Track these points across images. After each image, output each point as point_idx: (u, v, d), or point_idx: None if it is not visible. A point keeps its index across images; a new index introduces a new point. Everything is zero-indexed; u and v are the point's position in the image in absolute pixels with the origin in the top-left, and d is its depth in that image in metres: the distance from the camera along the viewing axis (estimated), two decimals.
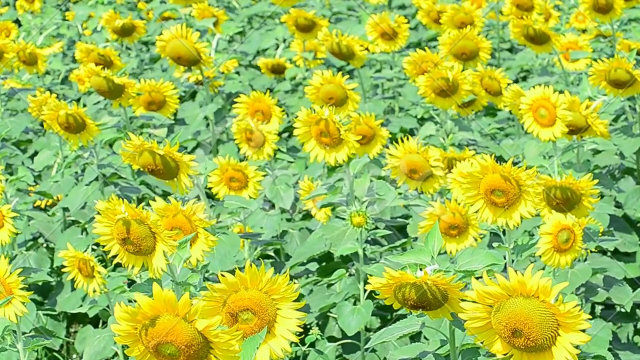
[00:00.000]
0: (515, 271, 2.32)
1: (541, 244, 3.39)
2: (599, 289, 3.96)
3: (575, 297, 3.20)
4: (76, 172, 5.19)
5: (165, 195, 5.28)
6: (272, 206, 4.78)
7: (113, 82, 4.85)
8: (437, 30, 6.47)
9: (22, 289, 3.12)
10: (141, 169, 3.44)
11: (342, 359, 4.28)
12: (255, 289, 2.46)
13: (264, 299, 2.46)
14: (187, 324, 2.20)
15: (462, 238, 3.85)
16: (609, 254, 4.35)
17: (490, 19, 7.15)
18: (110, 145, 5.66)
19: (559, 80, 5.48)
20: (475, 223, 3.82)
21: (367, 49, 5.96)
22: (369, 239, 4.22)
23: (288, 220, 5.06)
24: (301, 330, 2.51)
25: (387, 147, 4.23)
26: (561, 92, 3.98)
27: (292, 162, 5.09)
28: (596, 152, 4.94)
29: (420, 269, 2.56)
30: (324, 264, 4.50)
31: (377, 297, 2.62)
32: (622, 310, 4.03)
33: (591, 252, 3.99)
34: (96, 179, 4.82)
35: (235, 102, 4.80)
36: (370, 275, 2.68)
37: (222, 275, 2.44)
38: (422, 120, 6.00)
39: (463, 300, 2.43)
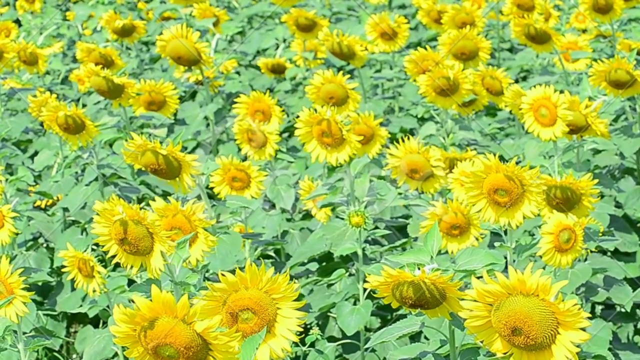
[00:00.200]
0: (515, 269, 2.32)
1: (542, 244, 3.39)
2: (599, 289, 3.96)
3: (576, 297, 3.19)
4: (76, 172, 5.19)
5: (165, 195, 5.28)
6: (273, 206, 4.78)
7: (112, 82, 4.85)
8: (438, 30, 6.47)
9: (23, 289, 3.13)
10: (143, 169, 3.44)
11: (342, 358, 4.28)
12: (256, 288, 2.46)
13: (264, 298, 2.46)
14: (186, 325, 2.20)
15: (464, 238, 3.85)
16: (609, 253, 4.35)
17: (490, 19, 7.15)
18: (110, 145, 5.66)
19: (559, 80, 5.48)
20: (477, 223, 3.82)
21: (365, 48, 5.96)
22: (369, 239, 4.21)
23: (288, 220, 5.06)
24: (301, 329, 2.50)
25: (387, 147, 4.23)
26: (561, 92, 3.98)
27: (292, 162, 5.09)
28: (596, 152, 4.94)
29: (419, 268, 2.56)
30: (324, 264, 4.50)
31: (375, 295, 2.62)
32: (622, 310, 4.03)
33: (591, 252, 3.99)
34: (96, 179, 4.82)
35: (235, 102, 4.80)
36: (369, 275, 2.68)
37: (222, 275, 2.44)
38: (422, 120, 6.00)
39: (462, 299, 2.43)
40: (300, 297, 4.31)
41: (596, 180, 3.61)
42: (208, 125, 5.90)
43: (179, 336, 2.20)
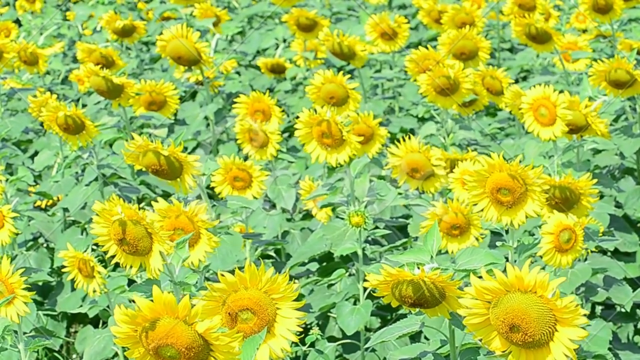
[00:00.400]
0: (513, 266, 2.32)
1: (543, 244, 3.39)
2: (599, 288, 3.96)
3: (575, 296, 3.19)
4: (76, 172, 5.19)
5: (165, 195, 5.28)
6: (273, 206, 4.79)
7: (112, 82, 4.85)
8: (438, 30, 6.47)
9: (24, 289, 3.13)
10: (144, 169, 3.44)
11: (342, 358, 4.28)
12: (255, 288, 2.46)
13: (263, 298, 2.46)
14: (187, 326, 2.20)
15: (464, 238, 3.85)
16: (609, 253, 4.35)
17: (490, 19, 7.15)
18: (110, 145, 5.66)
19: (559, 80, 5.48)
20: (477, 223, 3.82)
21: (364, 48, 5.96)
22: (370, 239, 4.21)
23: (288, 220, 5.06)
24: (301, 329, 2.50)
25: (387, 147, 4.23)
26: (562, 92, 3.98)
27: (292, 162, 5.09)
28: (596, 151, 4.94)
29: (419, 267, 2.56)
30: (324, 264, 4.50)
31: (375, 295, 2.63)
32: (622, 310, 4.03)
33: (591, 252, 3.99)
34: (96, 179, 4.82)
35: (235, 102, 4.80)
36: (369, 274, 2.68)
37: (222, 275, 2.44)
38: (422, 120, 6.00)
39: (461, 297, 2.43)
40: (300, 297, 4.31)
41: (595, 180, 3.61)
42: (208, 125, 5.90)
43: (180, 337, 2.20)
